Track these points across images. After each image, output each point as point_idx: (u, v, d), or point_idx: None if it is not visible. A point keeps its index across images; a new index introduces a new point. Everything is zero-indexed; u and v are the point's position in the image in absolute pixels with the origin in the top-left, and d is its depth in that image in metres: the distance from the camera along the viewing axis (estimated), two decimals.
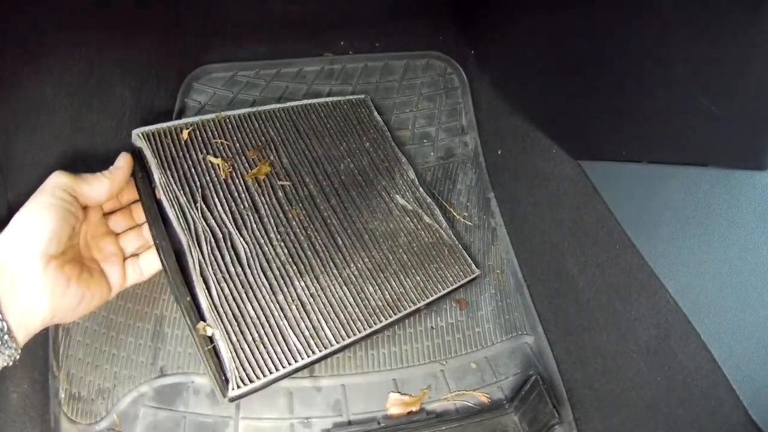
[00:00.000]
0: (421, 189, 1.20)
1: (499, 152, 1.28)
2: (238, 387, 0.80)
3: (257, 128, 1.07)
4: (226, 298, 0.85)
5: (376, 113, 1.29)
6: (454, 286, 1.08)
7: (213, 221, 0.90)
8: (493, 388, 1.05)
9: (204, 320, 0.81)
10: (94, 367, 0.95)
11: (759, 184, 0.61)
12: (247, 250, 0.91)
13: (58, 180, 0.73)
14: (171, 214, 0.86)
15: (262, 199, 0.98)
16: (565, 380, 1.01)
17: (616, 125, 0.84)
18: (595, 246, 0.89)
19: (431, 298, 1.04)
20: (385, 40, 1.44)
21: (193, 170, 0.94)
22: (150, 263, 0.89)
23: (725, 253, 0.65)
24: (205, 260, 0.85)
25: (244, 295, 0.87)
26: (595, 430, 0.91)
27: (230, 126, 1.03)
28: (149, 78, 1.16)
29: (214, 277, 0.85)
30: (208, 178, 0.94)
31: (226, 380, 0.80)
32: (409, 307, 1.01)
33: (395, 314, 0.98)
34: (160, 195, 0.87)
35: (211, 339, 0.81)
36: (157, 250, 0.84)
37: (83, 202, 0.78)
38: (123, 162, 0.84)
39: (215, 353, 0.81)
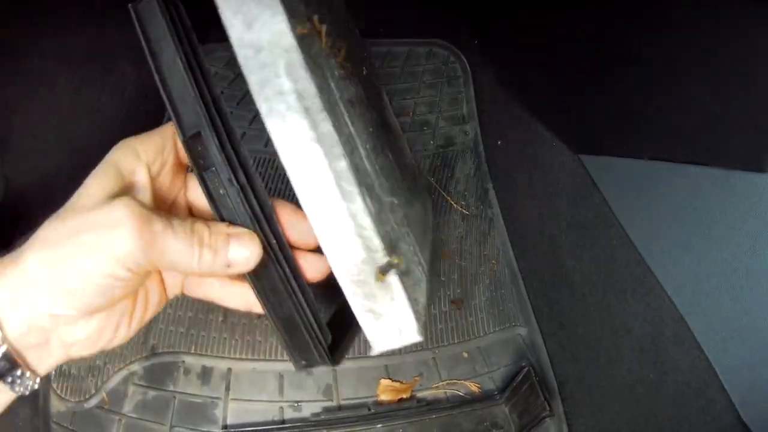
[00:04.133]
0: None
1: (499, 143, 1.27)
2: (420, 325, 0.52)
3: None
4: (377, 216, 0.55)
5: None
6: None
7: (338, 108, 0.58)
8: (485, 379, 1.05)
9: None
10: None
11: (759, 186, 0.60)
12: (365, 156, 0.63)
13: (120, 257, 0.40)
14: (307, 84, 0.49)
15: (349, 92, 0.68)
16: (557, 374, 1.01)
17: (618, 120, 0.83)
18: (591, 240, 0.89)
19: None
20: (389, 27, 1.44)
21: (304, 28, 0.56)
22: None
23: (722, 253, 0.65)
24: (351, 163, 0.53)
25: (381, 214, 0.59)
26: (585, 425, 0.92)
27: None
28: None
29: (364, 187, 0.53)
30: (317, 46, 0.60)
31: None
32: (431, 234, 0.92)
33: (431, 240, 0.89)
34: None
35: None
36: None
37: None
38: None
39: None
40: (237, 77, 1.30)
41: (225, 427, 0.93)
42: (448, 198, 1.27)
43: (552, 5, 1.01)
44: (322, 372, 1.01)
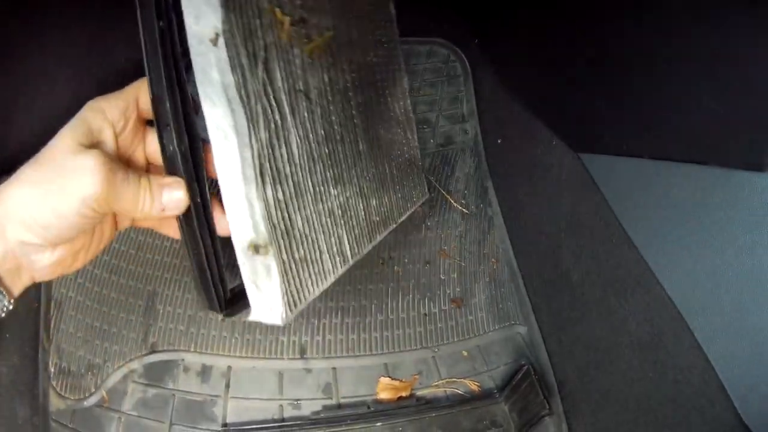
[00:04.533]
0: (408, 99, 1.12)
1: (499, 141, 1.27)
2: (291, 311, 0.63)
3: None
4: (278, 204, 0.63)
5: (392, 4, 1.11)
6: (415, 207, 1.06)
7: (273, 99, 0.64)
8: (484, 377, 1.05)
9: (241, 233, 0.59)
10: (85, 342, 0.95)
11: (758, 185, 0.60)
12: (300, 145, 0.69)
13: (87, 199, 0.48)
14: (231, 78, 0.56)
15: (313, 81, 0.74)
16: (557, 372, 1.01)
17: (618, 119, 0.83)
18: (591, 239, 0.89)
19: (401, 219, 0.98)
20: None
21: (258, 21, 0.61)
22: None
23: (721, 252, 0.65)
24: (262, 152, 0.60)
25: (294, 202, 0.67)
26: (584, 423, 0.92)
27: None
28: None
29: (270, 176, 0.62)
30: (271, 37, 0.64)
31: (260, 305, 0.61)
32: (390, 225, 0.94)
33: (381, 233, 0.90)
34: (214, 50, 0.55)
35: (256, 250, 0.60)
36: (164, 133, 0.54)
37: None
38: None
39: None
40: None
41: (225, 425, 0.93)
42: (448, 196, 1.27)
43: (552, 4, 1.01)
44: (322, 370, 1.01)
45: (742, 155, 0.62)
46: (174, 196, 0.53)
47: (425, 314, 1.11)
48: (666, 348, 0.72)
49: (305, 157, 0.70)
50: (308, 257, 0.69)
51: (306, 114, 0.71)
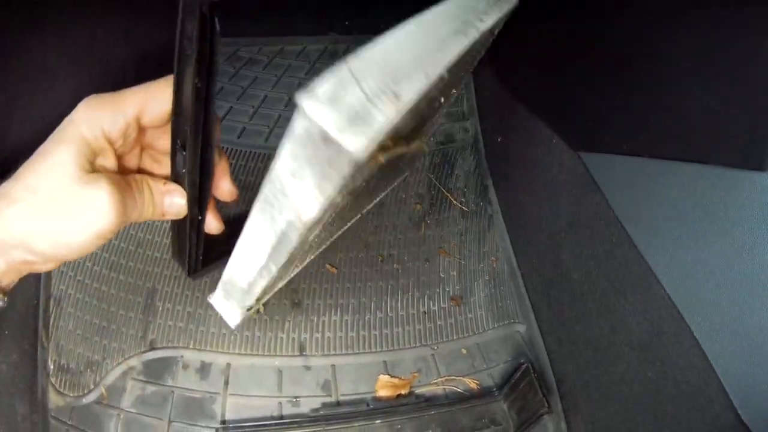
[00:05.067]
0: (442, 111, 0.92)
1: (499, 140, 1.27)
2: (244, 316, 0.69)
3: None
4: (274, 277, 0.62)
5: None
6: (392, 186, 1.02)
7: (319, 228, 0.59)
8: (483, 375, 1.05)
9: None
10: (84, 339, 0.95)
11: (758, 184, 0.60)
12: (317, 235, 0.64)
13: (101, 232, 0.48)
14: (296, 241, 0.51)
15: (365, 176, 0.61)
16: (556, 371, 1.01)
17: (618, 118, 0.83)
18: (591, 238, 0.89)
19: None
20: (389, 24, 1.43)
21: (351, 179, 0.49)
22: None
23: (721, 251, 0.64)
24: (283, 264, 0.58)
25: (288, 268, 0.66)
26: (583, 422, 0.92)
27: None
28: (152, 49, 1.15)
29: (280, 267, 0.59)
30: (359, 182, 0.55)
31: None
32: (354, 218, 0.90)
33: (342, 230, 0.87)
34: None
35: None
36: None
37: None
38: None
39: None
40: (237, 73, 1.30)
41: (223, 422, 0.93)
42: (448, 195, 1.27)
43: (552, 4, 1.01)
44: (321, 368, 1.01)
45: (742, 155, 0.62)
46: (175, 202, 0.55)
47: (425, 312, 1.11)
48: (665, 347, 0.72)
49: (316, 240, 0.68)
50: (277, 284, 0.72)
51: (338, 211, 0.64)
